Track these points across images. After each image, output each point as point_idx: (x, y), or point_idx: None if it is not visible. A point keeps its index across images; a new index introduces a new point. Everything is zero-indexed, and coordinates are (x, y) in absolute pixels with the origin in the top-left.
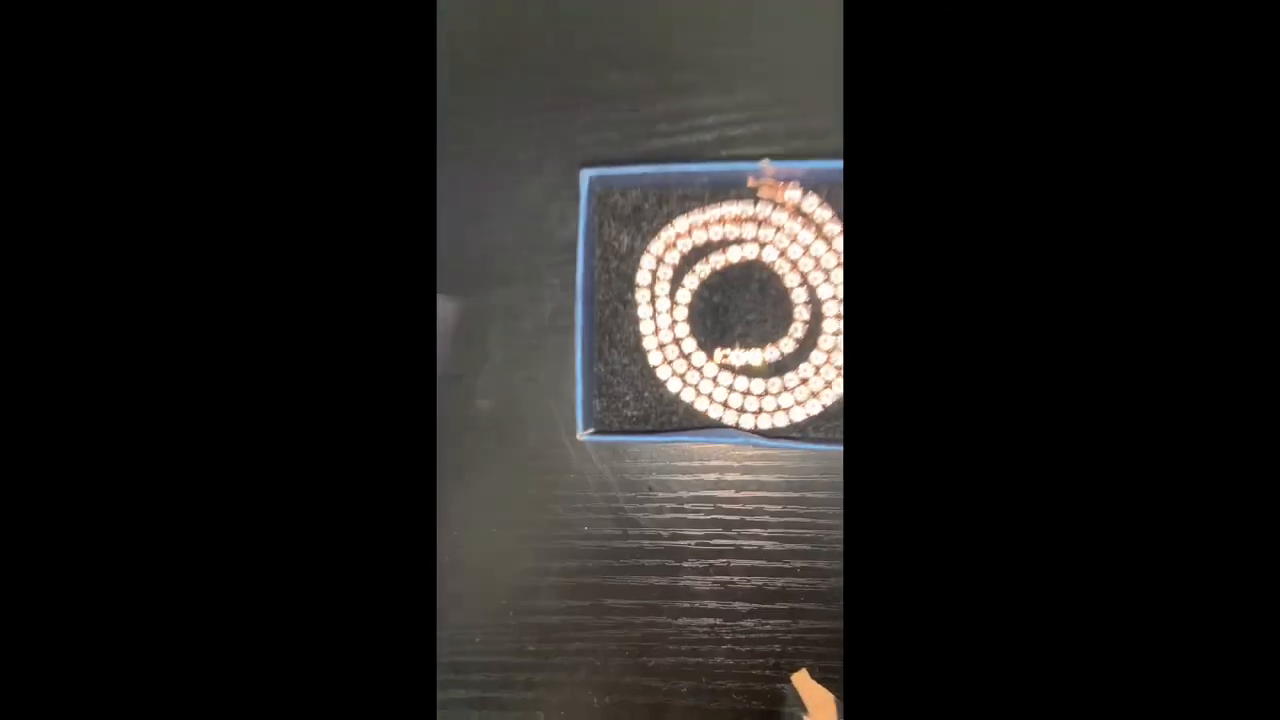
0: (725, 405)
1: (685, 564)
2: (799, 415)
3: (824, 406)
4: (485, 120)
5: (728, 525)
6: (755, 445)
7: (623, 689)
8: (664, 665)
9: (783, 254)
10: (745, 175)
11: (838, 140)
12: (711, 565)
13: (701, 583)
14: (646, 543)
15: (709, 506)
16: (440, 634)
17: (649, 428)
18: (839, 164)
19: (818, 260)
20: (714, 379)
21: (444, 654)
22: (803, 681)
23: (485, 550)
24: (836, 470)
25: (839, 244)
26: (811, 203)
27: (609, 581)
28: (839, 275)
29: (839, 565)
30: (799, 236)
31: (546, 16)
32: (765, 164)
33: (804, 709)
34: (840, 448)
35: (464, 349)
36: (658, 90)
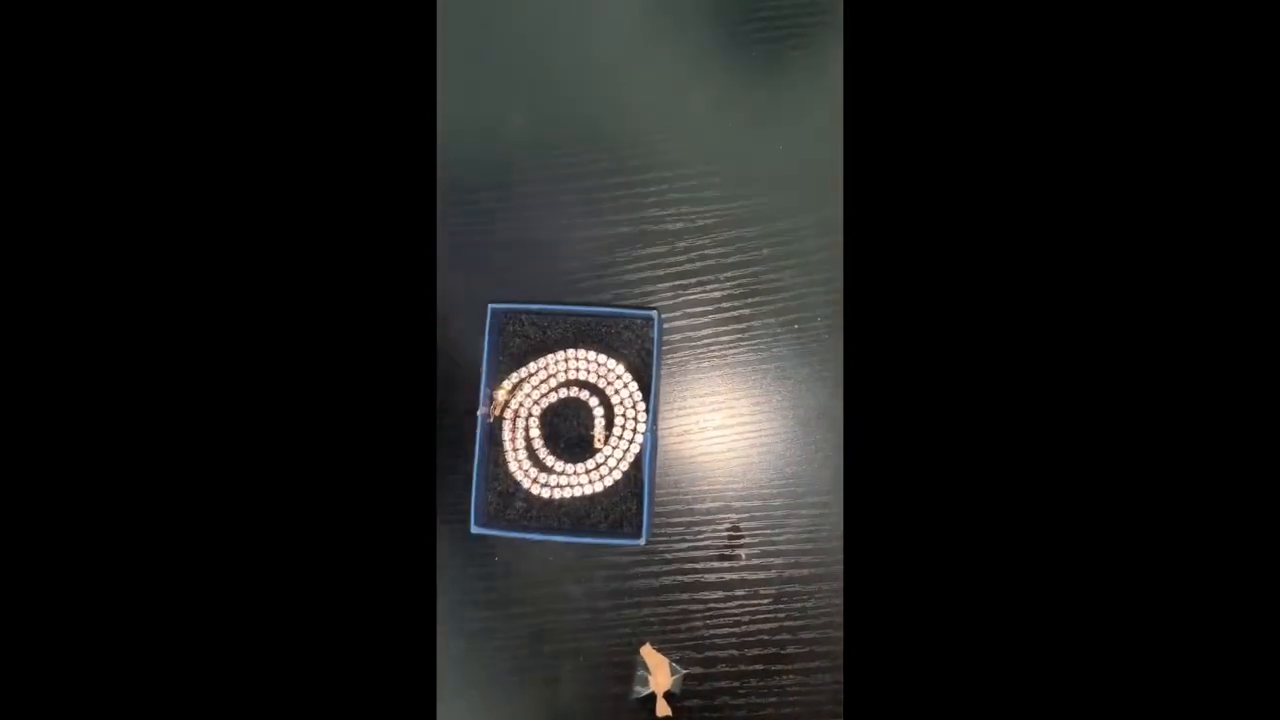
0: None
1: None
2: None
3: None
4: None
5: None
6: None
7: (529, 668)
8: (556, 649)
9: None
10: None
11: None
12: (582, 578)
13: (574, 590)
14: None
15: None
16: None
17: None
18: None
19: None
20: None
21: None
22: (648, 652)
23: None
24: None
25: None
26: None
27: (514, 595)
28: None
29: (661, 569)
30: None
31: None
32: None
33: (648, 670)
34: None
35: None
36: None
